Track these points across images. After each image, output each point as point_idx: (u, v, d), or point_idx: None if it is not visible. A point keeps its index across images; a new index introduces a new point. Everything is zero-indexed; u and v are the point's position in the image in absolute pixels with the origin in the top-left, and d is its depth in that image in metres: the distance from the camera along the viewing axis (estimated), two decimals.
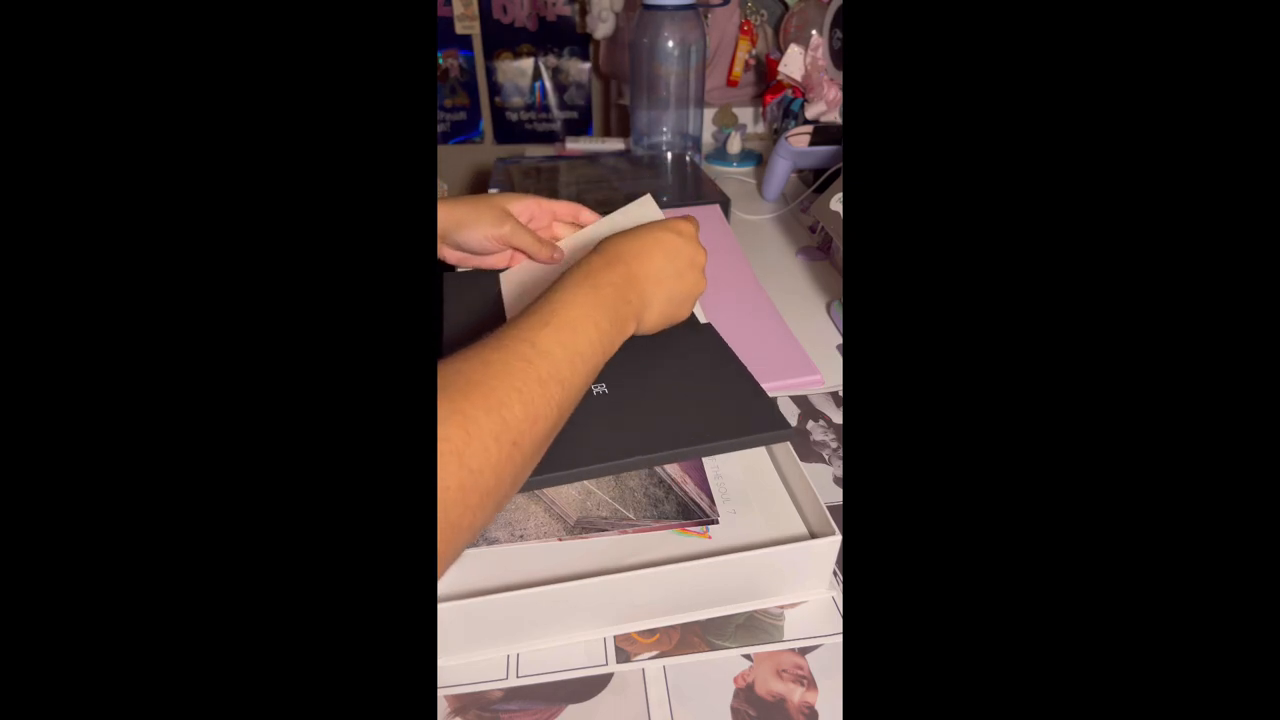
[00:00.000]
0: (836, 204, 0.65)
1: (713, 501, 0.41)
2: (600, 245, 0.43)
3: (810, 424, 0.51)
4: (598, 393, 0.41)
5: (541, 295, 0.38)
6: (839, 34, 1.00)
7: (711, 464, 0.44)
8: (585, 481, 0.43)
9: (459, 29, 1.68)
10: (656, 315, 0.44)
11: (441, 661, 0.34)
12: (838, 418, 0.52)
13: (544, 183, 0.87)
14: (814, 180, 0.84)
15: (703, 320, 0.55)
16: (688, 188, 0.87)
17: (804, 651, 0.35)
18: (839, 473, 0.47)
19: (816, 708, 0.33)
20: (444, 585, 0.36)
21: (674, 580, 0.35)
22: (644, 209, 0.58)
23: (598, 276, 0.40)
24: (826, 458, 0.48)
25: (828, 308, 0.66)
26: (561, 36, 1.70)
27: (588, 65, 1.73)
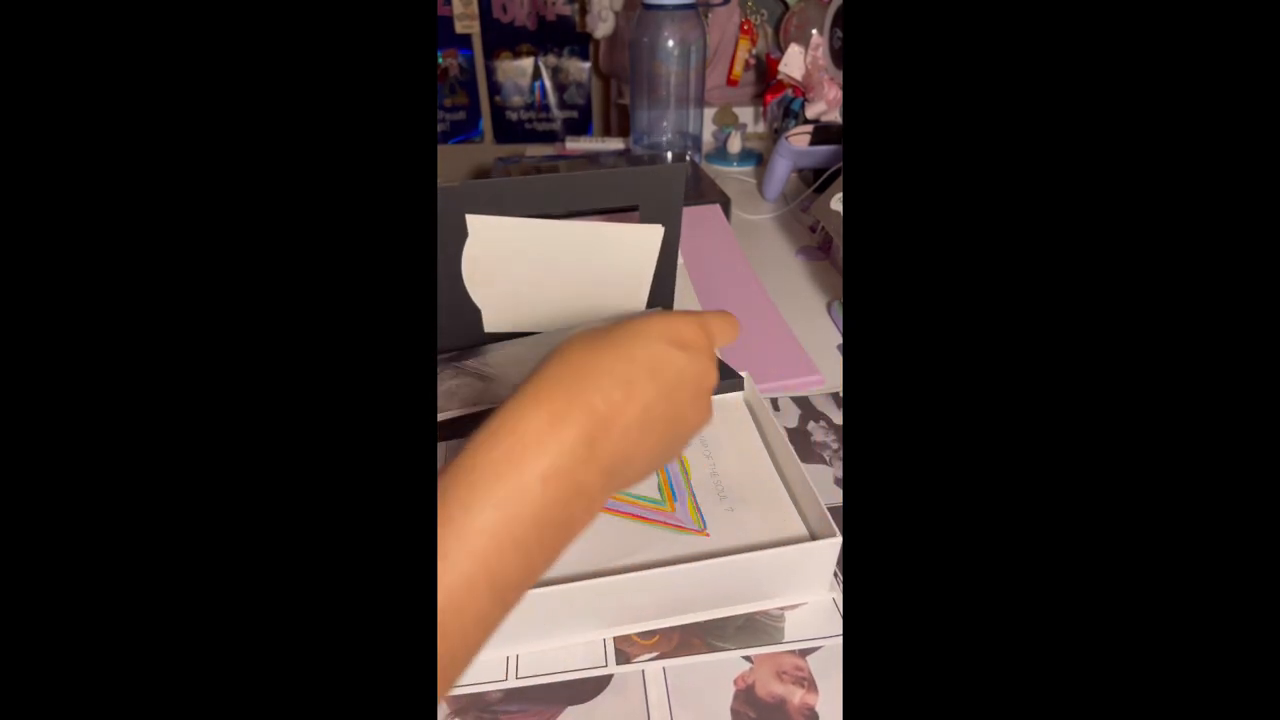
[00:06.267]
0: (836, 204, 0.65)
1: None
2: (559, 360, 0.28)
3: (810, 424, 0.51)
4: None
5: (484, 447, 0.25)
6: (839, 33, 1.00)
7: (709, 462, 0.44)
8: None
9: (459, 29, 1.68)
10: (637, 473, 0.29)
11: None
12: (838, 418, 0.52)
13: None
14: (814, 180, 0.84)
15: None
16: (688, 187, 0.87)
17: (804, 653, 0.35)
18: (839, 474, 0.47)
19: (817, 709, 0.33)
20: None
21: (674, 582, 0.35)
22: (649, 236, 0.57)
23: (555, 461, 0.25)
24: (827, 459, 0.48)
25: (828, 308, 0.66)
26: (561, 36, 1.70)
27: (588, 65, 1.73)
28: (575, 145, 1.14)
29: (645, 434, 0.28)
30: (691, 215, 0.75)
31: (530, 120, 1.80)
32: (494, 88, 1.76)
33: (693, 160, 0.94)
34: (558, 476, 0.25)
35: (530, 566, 0.25)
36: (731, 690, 0.34)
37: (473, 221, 0.55)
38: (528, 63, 1.73)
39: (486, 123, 1.80)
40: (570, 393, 0.26)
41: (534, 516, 0.25)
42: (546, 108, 1.78)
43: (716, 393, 0.36)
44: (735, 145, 1.05)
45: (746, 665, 0.35)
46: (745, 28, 1.15)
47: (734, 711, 0.33)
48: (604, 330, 0.29)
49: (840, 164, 0.75)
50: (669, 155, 0.98)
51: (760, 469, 0.44)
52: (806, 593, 0.38)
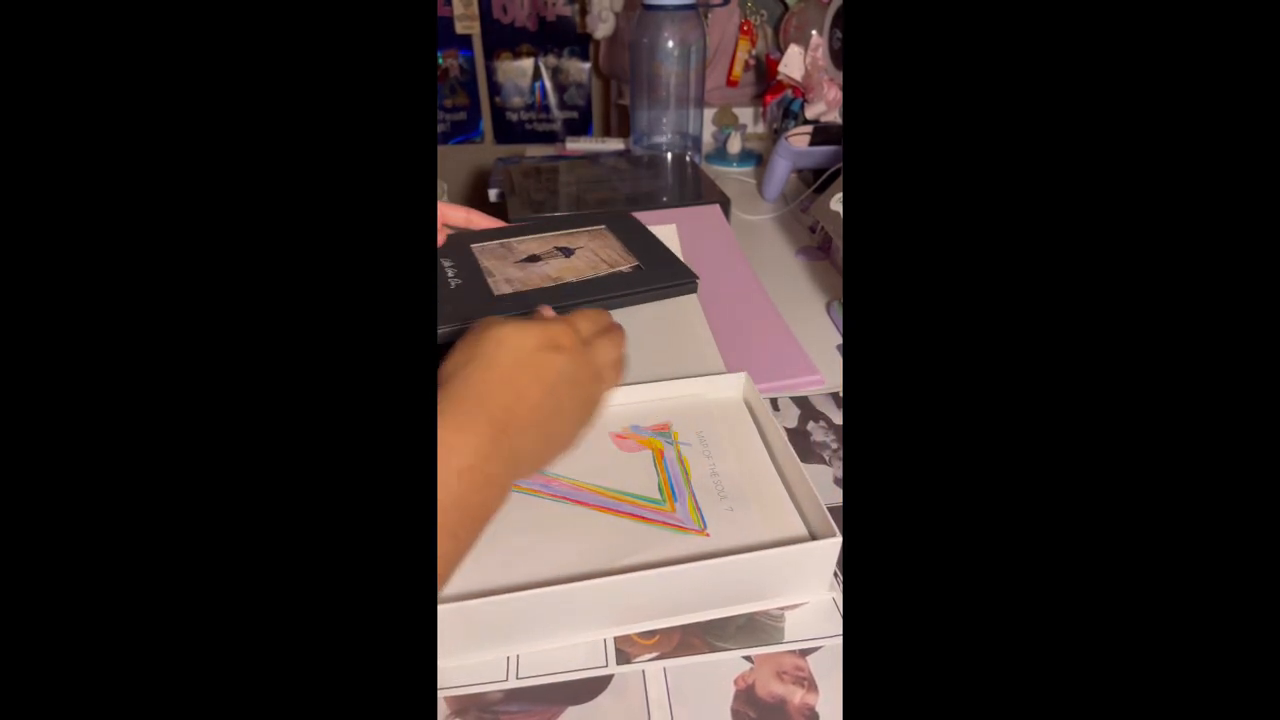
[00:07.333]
0: (836, 204, 0.65)
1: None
2: (461, 381, 0.33)
3: (810, 424, 0.51)
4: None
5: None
6: (839, 34, 1.00)
7: (709, 462, 0.44)
8: None
9: (459, 29, 1.68)
10: (535, 460, 0.36)
11: (441, 663, 0.34)
12: (838, 418, 0.52)
13: (544, 183, 0.87)
14: (814, 180, 0.84)
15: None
16: (688, 188, 0.87)
17: (805, 653, 0.35)
18: (839, 474, 0.47)
19: (817, 709, 0.33)
20: (443, 586, 0.36)
21: (674, 582, 0.35)
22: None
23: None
24: (827, 458, 0.48)
25: (827, 308, 0.66)
26: (561, 36, 1.70)
27: (588, 65, 1.73)
28: (575, 146, 1.14)
29: (536, 427, 0.35)
30: (691, 216, 0.75)
31: (530, 121, 1.80)
32: (494, 88, 1.76)
33: (693, 161, 0.94)
34: (471, 471, 0.31)
35: (457, 548, 0.31)
36: (732, 690, 0.34)
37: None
38: (528, 63, 1.73)
39: (486, 123, 1.80)
40: (472, 406, 0.33)
41: (454, 504, 0.30)
42: (547, 108, 1.79)
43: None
44: (735, 146, 1.05)
45: (747, 665, 0.35)
46: (745, 28, 1.15)
47: (734, 711, 0.33)
48: (494, 346, 0.35)
49: (840, 164, 0.75)
50: (669, 156, 0.98)
51: (760, 469, 0.44)
52: (806, 593, 0.38)
